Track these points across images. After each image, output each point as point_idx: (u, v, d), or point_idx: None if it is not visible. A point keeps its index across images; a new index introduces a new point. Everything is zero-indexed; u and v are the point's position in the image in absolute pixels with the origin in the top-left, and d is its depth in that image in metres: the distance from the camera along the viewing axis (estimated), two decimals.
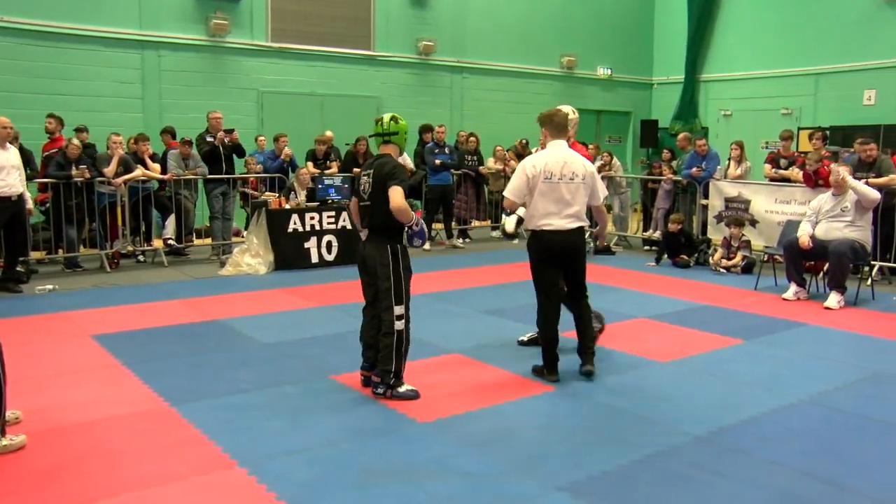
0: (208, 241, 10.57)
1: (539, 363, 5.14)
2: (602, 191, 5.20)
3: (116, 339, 6.03)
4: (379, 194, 4.57)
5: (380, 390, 4.67)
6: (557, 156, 4.99)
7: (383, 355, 4.65)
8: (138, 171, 9.43)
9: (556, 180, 4.92)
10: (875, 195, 7.47)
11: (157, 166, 9.88)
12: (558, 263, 5.06)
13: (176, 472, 3.61)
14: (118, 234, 9.52)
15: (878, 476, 3.66)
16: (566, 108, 5.43)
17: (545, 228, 4.94)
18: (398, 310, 4.62)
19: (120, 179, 9.18)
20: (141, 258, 9.87)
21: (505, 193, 5.13)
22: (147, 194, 9.69)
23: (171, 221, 10.03)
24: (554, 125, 5.10)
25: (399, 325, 4.63)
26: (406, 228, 4.62)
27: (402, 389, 4.68)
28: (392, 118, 4.78)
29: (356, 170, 11.17)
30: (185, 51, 11.89)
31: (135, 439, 4.03)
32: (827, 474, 3.66)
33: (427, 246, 11.28)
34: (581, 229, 5.05)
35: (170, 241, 10.00)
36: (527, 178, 4.95)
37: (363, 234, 4.85)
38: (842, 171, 7.55)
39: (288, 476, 3.58)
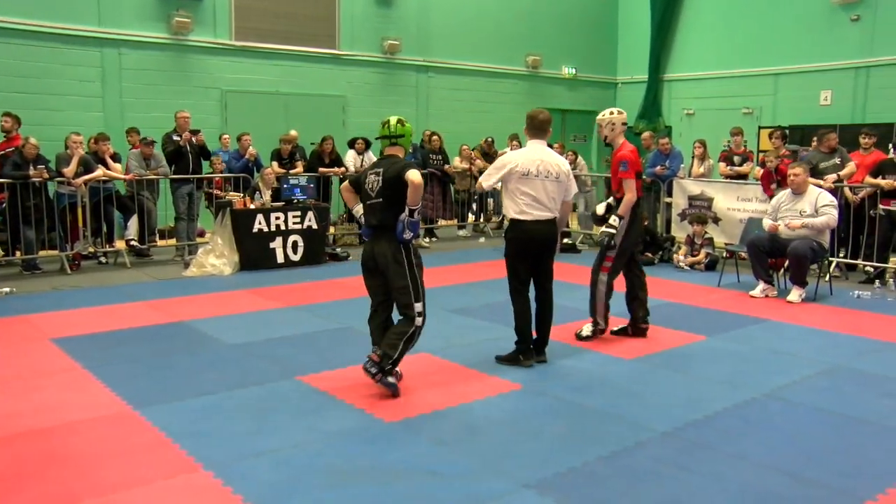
0: (172, 241, 10.43)
1: (502, 353, 5.44)
2: (574, 188, 5.54)
3: (77, 342, 5.92)
4: (392, 192, 4.60)
5: (373, 370, 4.58)
6: (534, 154, 5.30)
7: (392, 339, 4.62)
8: (99, 172, 9.27)
9: (533, 177, 5.21)
10: (830, 224, 7.61)
11: (118, 166, 9.73)
12: (534, 252, 5.32)
13: (140, 477, 3.56)
14: (79, 235, 9.34)
15: (835, 466, 3.75)
16: (609, 111, 5.97)
17: (526, 218, 5.21)
18: (418, 307, 4.68)
19: (80, 180, 9.01)
20: (103, 260, 9.70)
21: (480, 180, 5.45)
22: (108, 195, 9.53)
23: (133, 222, 9.87)
24: (535, 126, 5.39)
25: (419, 321, 4.68)
26: (406, 216, 4.56)
27: (391, 379, 4.67)
28: (398, 121, 4.85)
29: (322, 169, 11.17)
30: (147, 49, 11.71)
31: (97, 444, 3.96)
32: (787, 466, 3.73)
33: None
34: (555, 220, 5.35)
35: (132, 242, 9.84)
36: (501, 172, 5.27)
37: (357, 210, 4.93)
38: (795, 223, 7.61)
39: (255, 478, 3.55)
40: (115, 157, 9.85)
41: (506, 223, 5.65)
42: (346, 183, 5.09)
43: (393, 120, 4.85)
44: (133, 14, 11.54)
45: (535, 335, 5.45)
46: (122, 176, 9.68)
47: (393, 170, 4.62)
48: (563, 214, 5.52)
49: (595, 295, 5.97)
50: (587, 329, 6.00)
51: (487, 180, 5.37)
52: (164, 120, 10.59)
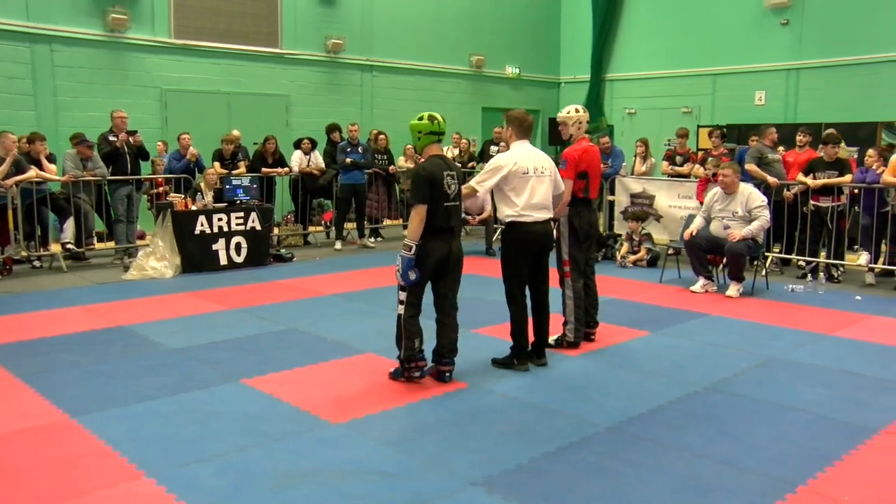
0: (111, 244, 10.15)
1: (498, 357, 5.44)
2: (562, 183, 5.54)
3: (10, 350, 5.71)
4: (461, 194, 4.98)
5: (451, 376, 5.02)
6: (528, 153, 5.27)
7: (455, 341, 5.01)
8: (32, 173, 8.95)
9: (531, 176, 5.19)
10: (764, 227, 7.83)
11: (53, 167, 9.42)
12: (533, 254, 5.30)
13: (78, 487, 3.46)
14: (10, 238, 9.01)
15: (769, 454, 3.88)
16: (574, 109, 5.98)
17: (526, 220, 5.17)
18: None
19: (11, 181, 8.68)
20: (37, 264, 9.39)
21: (473, 184, 5.24)
22: (42, 197, 9.21)
23: (69, 225, 9.54)
24: (523, 128, 5.37)
25: (456, 312, 5.07)
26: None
27: None
28: (442, 118, 5.03)
29: (265, 170, 11.02)
30: (81, 46, 11.36)
31: (32, 455, 3.83)
32: (726, 456, 3.84)
33: (339, 245, 11.22)
34: (550, 220, 5.36)
35: (69, 246, 9.53)
36: (500, 174, 5.15)
37: (418, 236, 4.73)
38: (736, 235, 7.74)
39: (199, 484, 3.49)
40: (51, 158, 9.54)
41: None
42: (422, 208, 4.73)
43: (440, 117, 5.01)
44: (65, 9, 11.17)
45: (531, 339, 5.42)
46: (58, 177, 9.38)
47: (460, 173, 5.01)
48: (560, 208, 5.56)
49: (565, 304, 5.87)
50: (552, 339, 5.82)
51: (483, 184, 5.15)
52: (101, 120, 10.29)
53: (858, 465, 3.78)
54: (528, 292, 5.44)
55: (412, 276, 4.76)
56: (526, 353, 5.36)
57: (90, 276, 8.93)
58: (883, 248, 8.77)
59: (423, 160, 4.97)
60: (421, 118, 4.99)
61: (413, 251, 4.73)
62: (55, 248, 9.52)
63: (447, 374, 5.00)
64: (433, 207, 4.75)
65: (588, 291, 6.04)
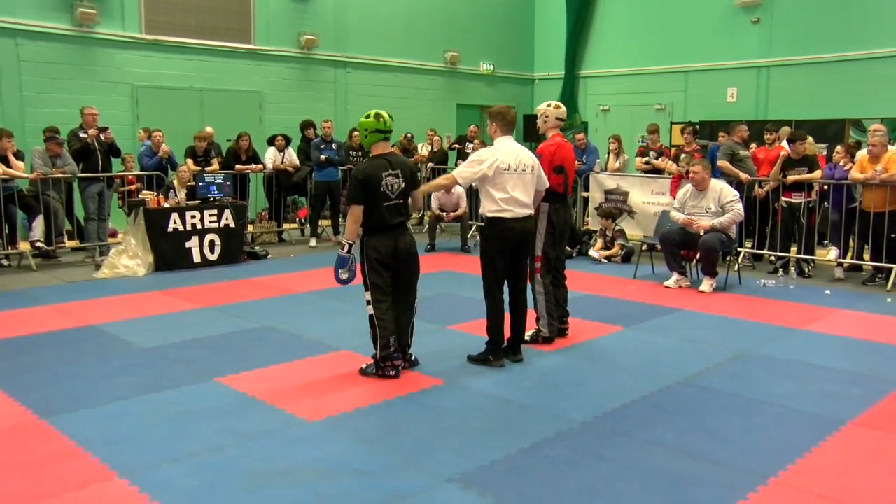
0: (77, 242, 10.00)
1: (473, 353, 5.43)
2: (546, 179, 5.53)
3: None
4: (411, 189, 5.05)
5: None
6: (511, 150, 5.26)
7: (411, 330, 5.16)
8: None
9: (513, 172, 5.18)
10: (736, 220, 7.92)
11: (21, 164, 9.26)
12: (512, 250, 5.29)
13: (47, 490, 3.41)
14: None
15: (741, 447, 3.93)
16: (546, 103, 6.00)
17: (507, 216, 5.16)
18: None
19: None
20: (5, 262, 9.23)
21: (454, 174, 5.30)
22: (10, 194, 9.05)
23: (38, 223, 9.39)
24: (506, 123, 5.37)
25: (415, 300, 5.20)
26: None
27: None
28: (389, 115, 5.07)
29: (239, 167, 10.93)
30: (48, 40, 11.18)
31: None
32: (698, 450, 3.88)
33: (313, 242, 11.17)
34: (532, 216, 5.36)
35: (38, 244, 9.38)
36: (481, 167, 5.15)
37: (354, 236, 4.93)
38: (704, 224, 7.86)
39: (172, 485, 3.46)
40: (18, 155, 9.38)
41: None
42: (358, 209, 4.89)
43: (386, 115, 5.04)
44: (30, 2, 10.97)
45: (507, 335, 5.41)
46: (26, 175, 9.22)
47: (409, 169, 5.08)
48: (537, 204, 5.54)
49: (536, 300, 5.87)
50: (527, 335, 5.79)
51: (466, 175, 5.16)
52: (70, 116, 10.14)
53: (828, 456, 3.84)
54: (505, 288, 5.45)
55: (343, 275, 4.97)
56: (502, 350, 5.36)
57: (61, 274, 8.80)
58: (851, 243, 8.91)
59: (368, 158, 5.06)
60: (368, 116, 5.04)
61: (347, 250, 4.92)
62: (24, 246, 9.38)
63: (411, 365, 5.20)
64: (371, 207, 4.87)
65: (558, 286, 6.04)
